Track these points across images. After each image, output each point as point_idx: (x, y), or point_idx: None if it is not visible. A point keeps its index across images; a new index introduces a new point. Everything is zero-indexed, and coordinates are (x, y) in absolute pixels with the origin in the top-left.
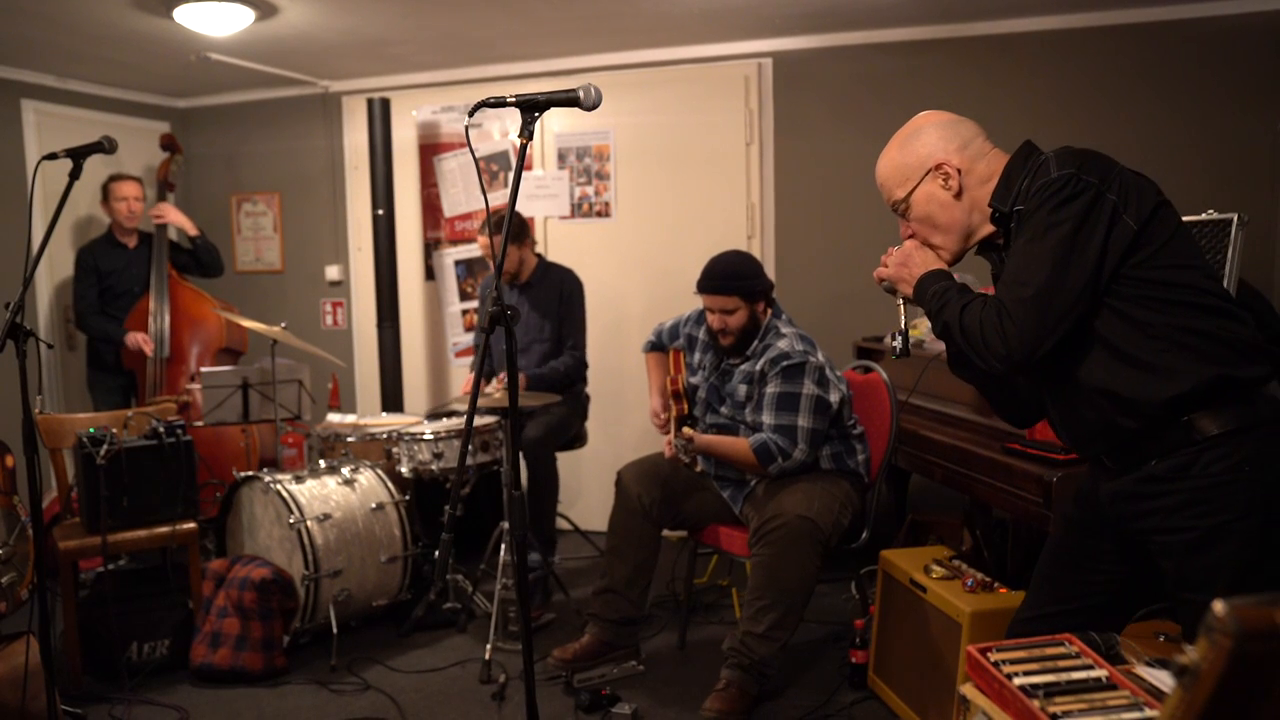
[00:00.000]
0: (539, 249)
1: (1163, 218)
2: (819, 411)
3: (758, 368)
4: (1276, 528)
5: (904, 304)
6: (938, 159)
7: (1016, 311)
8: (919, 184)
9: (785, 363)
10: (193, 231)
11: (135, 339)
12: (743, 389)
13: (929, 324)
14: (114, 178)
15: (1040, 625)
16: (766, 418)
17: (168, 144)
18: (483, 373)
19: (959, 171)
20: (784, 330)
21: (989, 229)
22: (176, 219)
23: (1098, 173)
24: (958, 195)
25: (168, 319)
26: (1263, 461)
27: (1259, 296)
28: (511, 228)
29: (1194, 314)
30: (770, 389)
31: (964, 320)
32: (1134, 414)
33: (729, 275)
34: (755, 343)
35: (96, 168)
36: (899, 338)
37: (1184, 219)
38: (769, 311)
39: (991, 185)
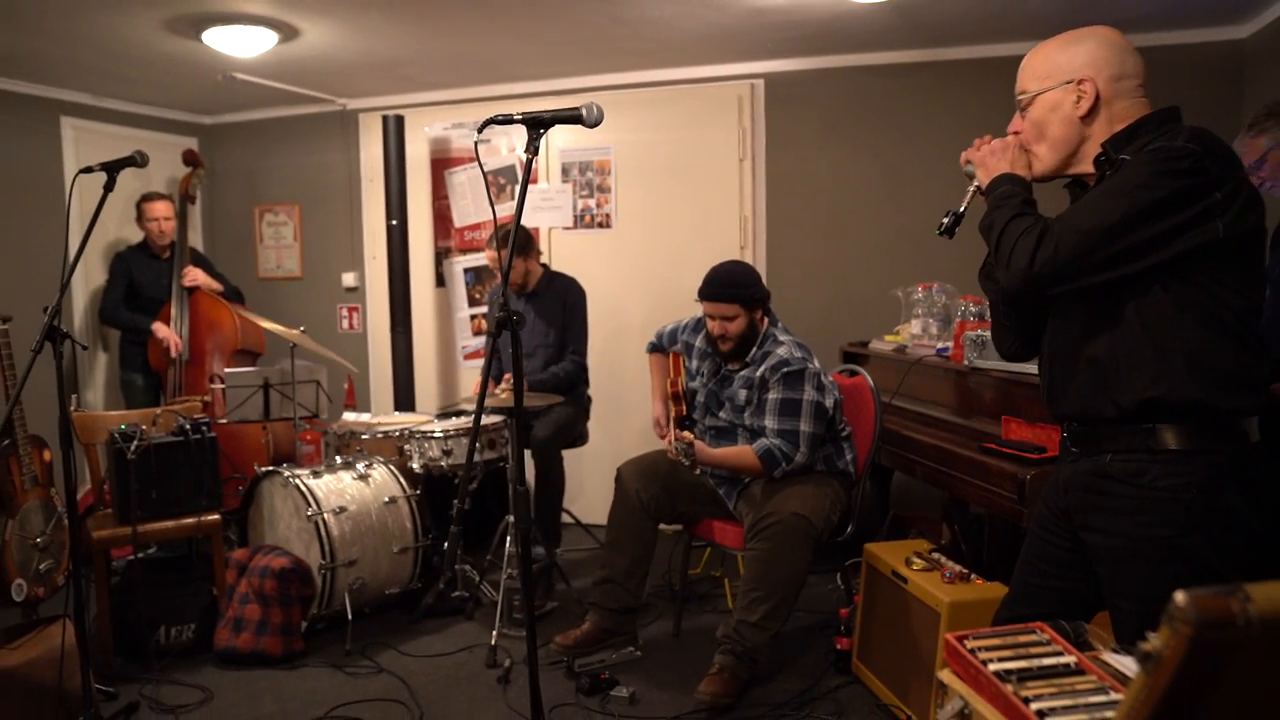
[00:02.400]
0: (544, 259)
1: (1252, 242)
2: (818, 416)
3: (758, 374)
4: (1207, 549)
5: (974, 190)
6: (1085, 74)
7: (1061, 237)
8: (1053, 88)
9: (786, 369)
10: (217, 288)
11: (165, 331)
12: (743, 393)
13: (911, 330)
14: (146, 197)
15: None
16: (770, 422)
17: (190, 159)
18: (490, 374)
19: (1097, 96)
20: (781, 338)
21: (1089, 168)
22: (204, 282)
23: (1219, 165)
24: (1084, 117)
25: (187, 324)
26: (1210, 486)
27: None
28: (518, 241)
29: (1222, 336)
30: (773, 395)
31: (1008, 226)
32: (1113, 398)
33: (729, 283)
34: (754, 350)
35: (128, 181)
36: (951, 216)
37: None
38: (766, 320)
39: (1117, 128)
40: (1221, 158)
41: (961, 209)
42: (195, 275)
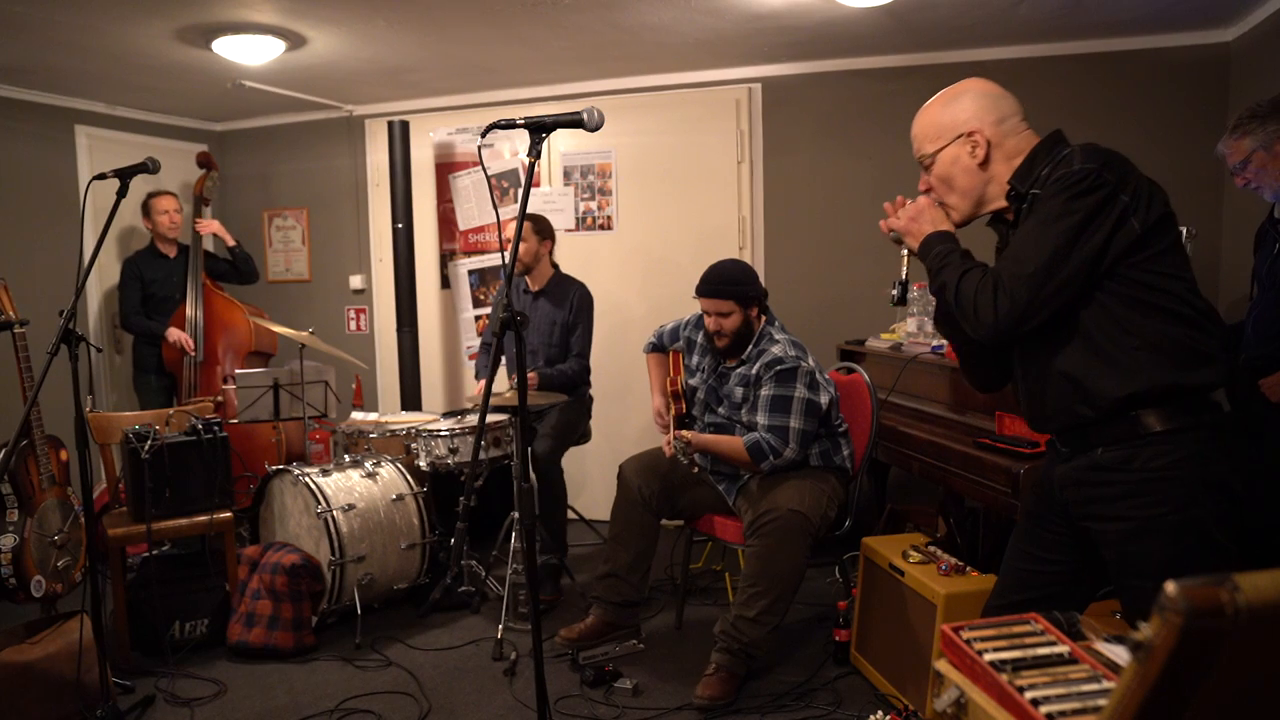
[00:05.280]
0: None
1: (1166, 227)
2: (809, 413)
3: (753, 371)
4: (1210, 521)
5: (907, 255)
6: (972, 126)
7: (1012, 286)
8: (949, 144)
9: (779, 367)
10: (230, 242)
11: (176, 334)
12: (739, 391)
13: (907, 328)
14: (153, 194)
15: (1007, 613)
16: (761, 418)
17: (204, 161)
18: (495, 373)
19: (988, 143)
20: (777, 336)
21: (1002, 203)
22: (218, 229)
23: (1117, 173)
24: (982, 164)
25: (202, 324)
26: (1199, 460)
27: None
28: (540, 225)
29: (1171, 321)
30: (765, 391)
31: (961, 285)
32: (1091, 404)
33: (725, 280)
34: (750, 347)
35: (138, 184)
36: (898, 286)
37: None
38: (763, 318)
39: (1015, 163)
40: (1116, 165)
41: (904, 276)
42: (209, 223)
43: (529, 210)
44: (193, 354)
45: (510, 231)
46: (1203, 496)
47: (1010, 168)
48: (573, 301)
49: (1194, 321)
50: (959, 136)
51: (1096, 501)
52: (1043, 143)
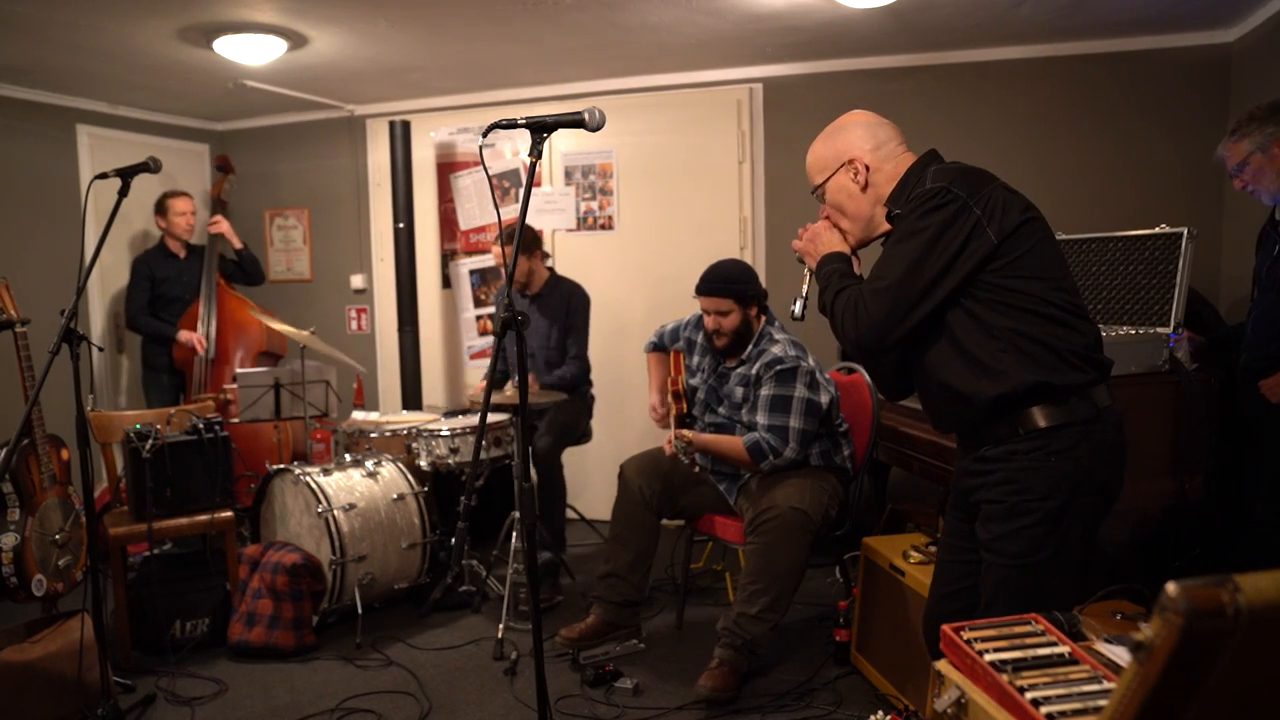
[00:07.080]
0: (549, 262)
1: (1026, 233)
2: (809, 413)
3: (753, 371)
4: (1076, 510)
5: (809, 275)
6: (852, 155)
7: (870, 301)
8: (834, 174)
9: (779, 367)
10: (237, 244)
11: (188, 335)
12: (739, 391)
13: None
14: (170, 193)
15: (941, 603)
16: (761, 418)
17: (221, 165)
18: (495, 374)
19: (867, 169)
20: (777, 336)
21: (888, 225)
22: (228, 231)
23: (967, 188)
24: (864, 189)
25: (214, 324)
26: (1068, 455)
27: (1205, 303)
28: (523, 239)
29: (1033, 321)
30: (764, 391)
31: (835, 303)
32: (970, 407)
33: (724, 279)
34: (750, 347)
35: (150, 184)
36: (799, 302)
37: (1138, 233)
38: (762, 318)
39: (894, 186)
40: (966, 181)
41: (804, 292)
42: (220, 223)
43: (519, 212)
44: (204, 354)
45: (490, 243)
46: (1067, 487)
47: (890, 191)
48: (569, 304)
49: (1057, 319)
50: (841, 165)
51: (980, 488)
52: (914, 164)
